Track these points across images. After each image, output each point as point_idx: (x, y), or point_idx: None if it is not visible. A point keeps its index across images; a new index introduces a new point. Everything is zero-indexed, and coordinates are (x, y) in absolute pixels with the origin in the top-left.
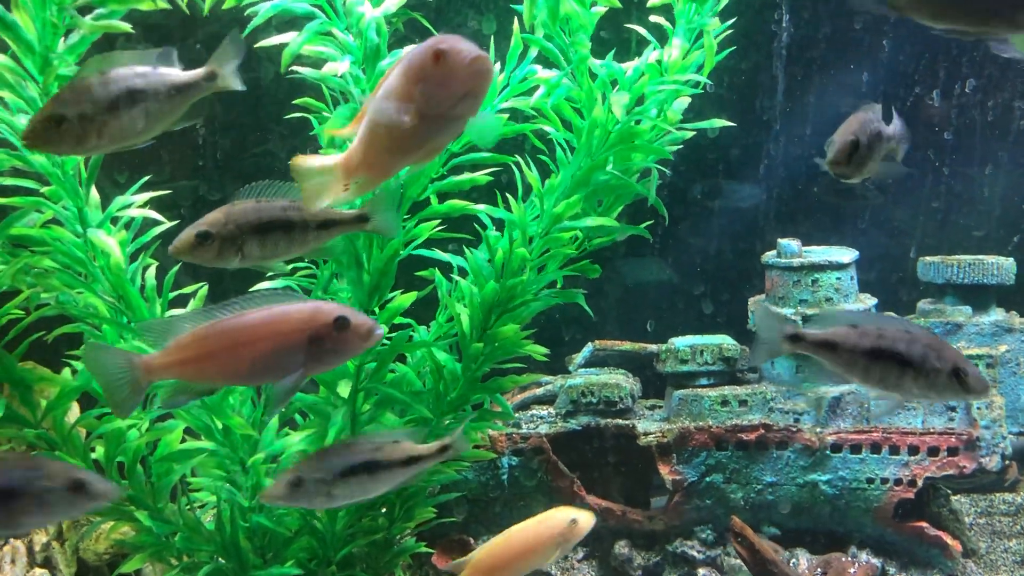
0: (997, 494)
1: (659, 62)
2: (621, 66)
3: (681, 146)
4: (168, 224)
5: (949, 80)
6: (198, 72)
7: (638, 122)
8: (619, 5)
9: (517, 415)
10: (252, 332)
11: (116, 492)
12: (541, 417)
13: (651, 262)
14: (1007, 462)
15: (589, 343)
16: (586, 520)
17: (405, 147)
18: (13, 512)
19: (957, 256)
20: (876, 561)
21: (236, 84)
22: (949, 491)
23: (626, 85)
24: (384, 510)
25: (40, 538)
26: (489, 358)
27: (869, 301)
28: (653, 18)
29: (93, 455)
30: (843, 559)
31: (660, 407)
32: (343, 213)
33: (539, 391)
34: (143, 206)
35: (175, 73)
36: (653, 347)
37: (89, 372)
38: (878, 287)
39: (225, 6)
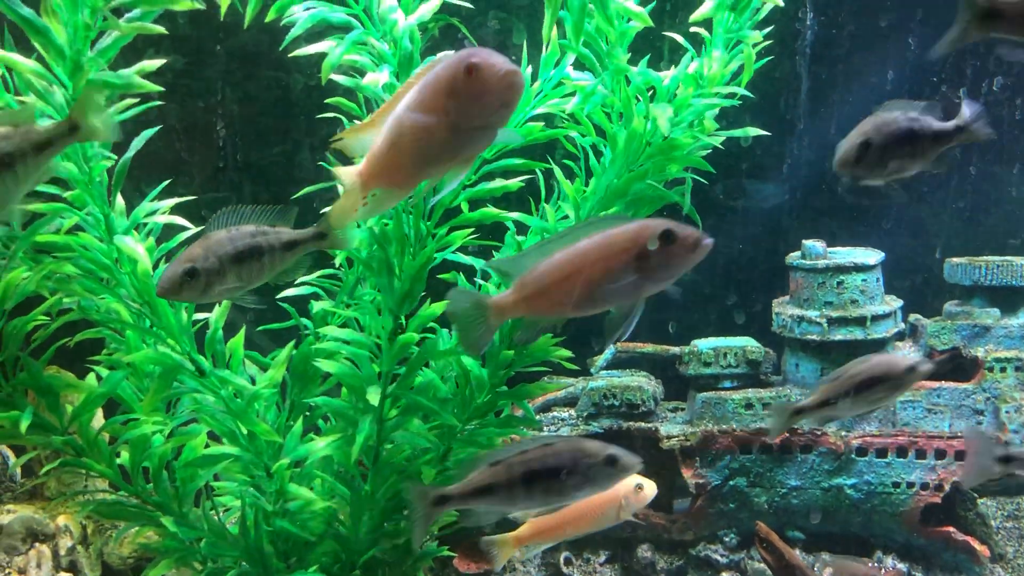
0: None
1: (697, 73)
2: (659, 74)
3: (709, 150)
4: (194, 229)
5: (976, 78)
6: (58, 125)
7: (666, 137)
8: (651, 23)
9: (539, 417)
10: (583, 258)
11: (639, 463)
12: (563, 419)
13: None
14: None
15: (611, 345)
16: (651, 488)
17: (433, 159)
18: (566, 487)
19: (985, 257)
20: (902, 566)
21: (104, 135)
22: (976, 494)
23: (664, 96)
24: (407, 513)
25: (65, 542)
26: (516, 364)
27: (895, 303)
28: (692, 29)
29: (118, 460)
30: (869, 564)
31: (682, 409)
32: (304, 233)
33: (561, 393)
34: (167, 212)
35: (33, 130)
36: (676, 349)
37: (448, 313)
38: (904, 289)
39: (268, 19)
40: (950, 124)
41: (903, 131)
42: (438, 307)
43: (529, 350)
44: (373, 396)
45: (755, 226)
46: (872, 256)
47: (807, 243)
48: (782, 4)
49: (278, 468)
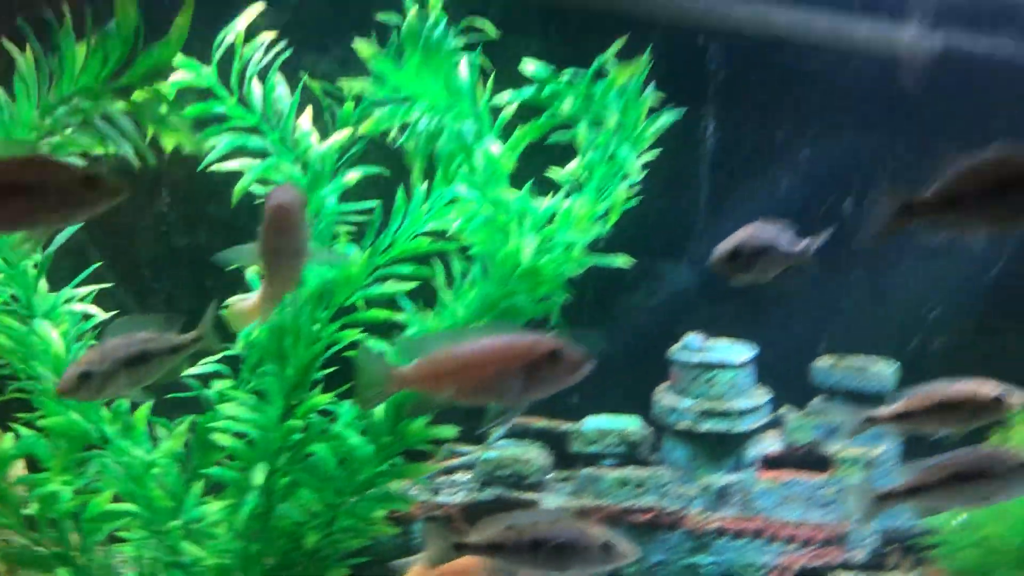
0: (881, 574)
1: (569, 209)
2: (535, 203)
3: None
4: (106, 315)
5: (865, 185)
6: None
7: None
8: (514, 167)
9: (440, 479)
10: (479, 357)
11: (636, 552)
12: (463, 483)
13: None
14: (885, 549)
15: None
16: None
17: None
18: (563, 561)
19: (848, 359)
20: None
21: None
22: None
23: (535, 226)
24: (299, 568)
25: None
26: (396, 448)
27: (763, 398)
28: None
29: (27, 511)
30: None
31: (574, 479)
32: (185, 338)
33: (462, 460)
34: (86, 299)
35: None
36: (565, 426)
37: (355, 368)
38: (787, 381)
39: (188, 148)
40: (796, 248)
41: (764, 245)
42: (322, 399)
43: (407, 434)
44: (259, 474)
45: (655, 314)
46: (743, 354)
47: (687, 337)
48: (638, 176)
49: (172, 528)
